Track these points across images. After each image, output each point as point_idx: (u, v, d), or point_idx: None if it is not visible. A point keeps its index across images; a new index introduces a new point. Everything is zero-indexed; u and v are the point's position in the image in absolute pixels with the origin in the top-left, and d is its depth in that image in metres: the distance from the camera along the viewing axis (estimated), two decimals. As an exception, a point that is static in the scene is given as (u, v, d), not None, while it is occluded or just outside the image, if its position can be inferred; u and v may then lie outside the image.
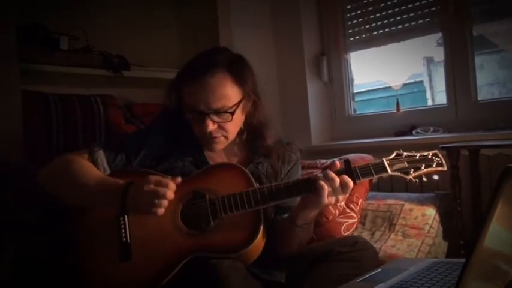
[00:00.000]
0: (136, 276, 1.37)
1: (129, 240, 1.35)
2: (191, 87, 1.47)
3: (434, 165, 1.43)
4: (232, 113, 1.47)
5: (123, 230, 1.36)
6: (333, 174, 1.36)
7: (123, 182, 1.36)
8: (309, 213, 1.44)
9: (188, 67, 1.52)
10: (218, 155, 1.60)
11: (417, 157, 1.44)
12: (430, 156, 1.44)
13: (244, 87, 1.50)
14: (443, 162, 1.45)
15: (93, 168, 1.47)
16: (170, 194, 1.30)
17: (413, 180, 1.42)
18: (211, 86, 1.45)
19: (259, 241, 1.38)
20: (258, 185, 1.45)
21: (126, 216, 1.35)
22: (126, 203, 1.32)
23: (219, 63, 1.47)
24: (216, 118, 1.47)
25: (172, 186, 1.31)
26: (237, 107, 1.49)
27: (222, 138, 1.52)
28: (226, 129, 1.50)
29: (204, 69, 1.46)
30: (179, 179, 1.35)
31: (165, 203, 1.29)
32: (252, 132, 1.60)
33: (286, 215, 1.54)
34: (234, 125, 1.52)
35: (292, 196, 1.43)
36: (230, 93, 1.47)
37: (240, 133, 1.59)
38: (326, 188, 1.34)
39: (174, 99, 1.55)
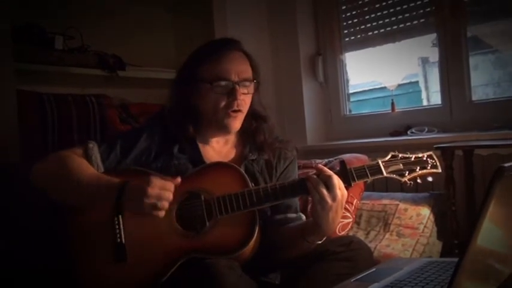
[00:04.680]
0: (131, 277, 1.36)
1: (123, 241, 1.35)
2: (220, 60, 1.52)
3: (429, 167, 1.43)
4: (257, 83, 1.56)
5: (117, 231, 1.36)
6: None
7: (118, 181, 1.36)
8: (322, 230, 1.40)
9: (206, 48, 1.58)
10: (214, 151, 1.59)
11: (412, 159, 1.44)
12: (424, 158, 1.44)
13: (254, 69, 1.57)
14: (438, 164, 1.45)
15: (87, 165, 1.46)
16: (170, 196, 1.32)
17: (408, 182, 1.42)
18: (237, 57, 1.54)
19: (255, 242, 1.38)
20: (253, 184, 1.44)
21: (120, 216, 1.34)
22: (123, 202, 1.33)
23: (235, 44, 1.57)
24: (242, 89, 1.51)
25: (172, 189, 1.33)
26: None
27: (241, 114, 1.54)
28: (247, 104, 1.55)
29: (225, 46, 1.55)
30: (179, 180, 1.36)
31: (166, 205, 1.32)
32: (251, 121, 1.60)
33: (294, 224, 1.54)
34: (249, 102, 1.56)
35: (287, 197, 1.43)
36: (249, 69, 1.55)
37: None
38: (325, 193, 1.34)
39: (188, 85, 1.55)
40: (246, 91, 1.52)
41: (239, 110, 1.52)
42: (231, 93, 1.50)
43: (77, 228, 1.44)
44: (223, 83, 1.50)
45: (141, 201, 1.30)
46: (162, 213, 1.33)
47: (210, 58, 1.53)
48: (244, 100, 1.53)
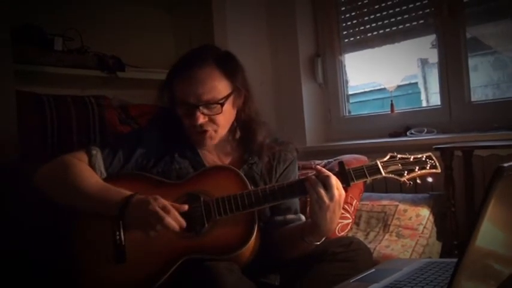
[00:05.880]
0: (131, 278, 1.37)
1: (123, 243, 1.36)
2: (180, 81, 1.49)
3: (428, 167, 1.43)
4: (222, 105, 1.48)
5: (117, 232, 1.36)
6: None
7: (124, 195, 1.37)
8: (321, 230, 1.41)
9: (177, 64, 1.54)
10: (212, 154, 1.60)
11: (411, 159, 1.44)
12: (423, 159, 1.44)
13: (233, 80, 1.52)
14: (437, 164, 1.45)
15: (92, 173, 1.47)
16: (174, 225, 1.32)
17: (407, 182, 1.42)
18: (200, 78, 1.47)
19: (254, 242, 1.38)
20: (252, 186, 1.45)
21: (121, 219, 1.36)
22: (125, 214, 1.34)
23: (207, 58, 1.50)
24: (206, 111, 1.47)
25: (176, 215, 1.33)
26: (226, 99, 1.49)
27: (213, 132, 1.52)
28: (217, 123, 1.51)
29: (192, 63, 1.49)
30: (185, 207, 1.36)
31: (158, 228, 1.32)
32: (244, 129, 1.60)
33: (294, 224, 1.54)
34: (225, 118, 1.52)
35: (286, 198, 1.43)
36: (219, 85, 1.48)
37: (233, 130, 1.60)
38: (323, 194, 1.34)
39: (167, 98, 1.56)
40: (210, 112, 1.48)
41: (205, 130, 1.50)
42: (194, 116, 1.47)
43: (78, 228, 1.45)
44: (183, 106, 1.49)
45: (137, 216, 1.32)
46: (152, 233, 1.33)
47: (177, 78, 1.51)
48: (212, 120, 1.50)
